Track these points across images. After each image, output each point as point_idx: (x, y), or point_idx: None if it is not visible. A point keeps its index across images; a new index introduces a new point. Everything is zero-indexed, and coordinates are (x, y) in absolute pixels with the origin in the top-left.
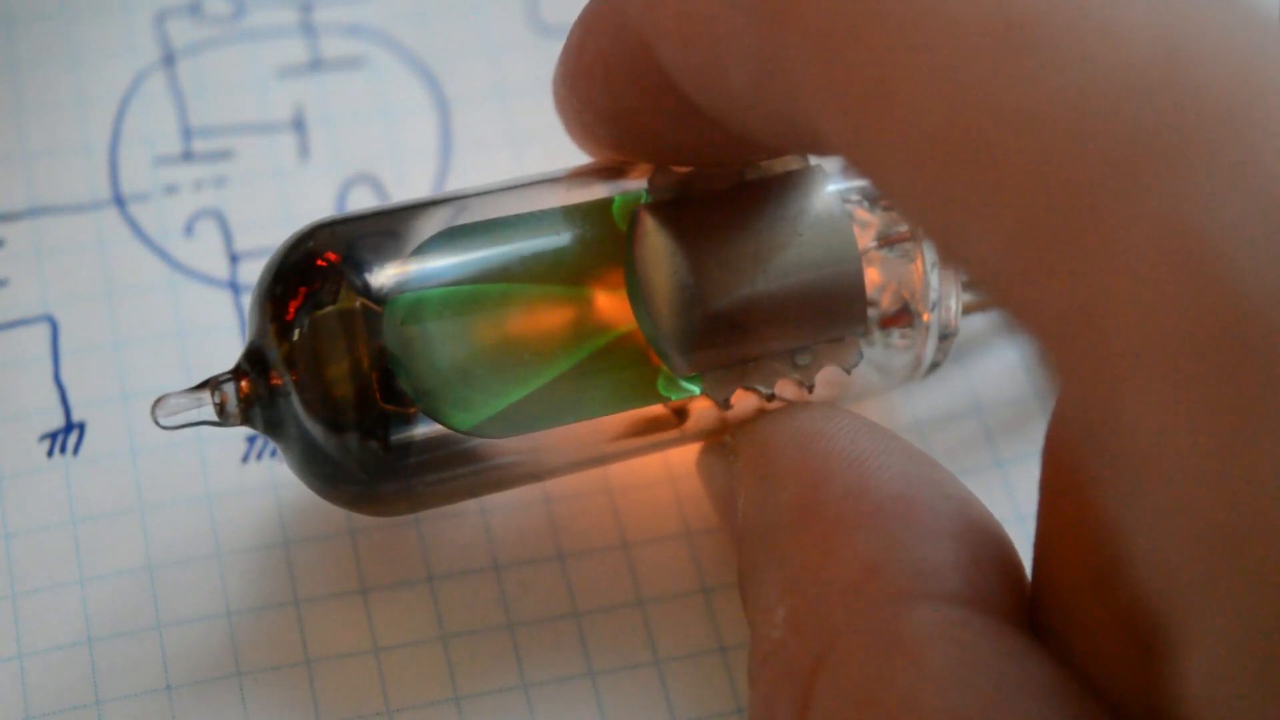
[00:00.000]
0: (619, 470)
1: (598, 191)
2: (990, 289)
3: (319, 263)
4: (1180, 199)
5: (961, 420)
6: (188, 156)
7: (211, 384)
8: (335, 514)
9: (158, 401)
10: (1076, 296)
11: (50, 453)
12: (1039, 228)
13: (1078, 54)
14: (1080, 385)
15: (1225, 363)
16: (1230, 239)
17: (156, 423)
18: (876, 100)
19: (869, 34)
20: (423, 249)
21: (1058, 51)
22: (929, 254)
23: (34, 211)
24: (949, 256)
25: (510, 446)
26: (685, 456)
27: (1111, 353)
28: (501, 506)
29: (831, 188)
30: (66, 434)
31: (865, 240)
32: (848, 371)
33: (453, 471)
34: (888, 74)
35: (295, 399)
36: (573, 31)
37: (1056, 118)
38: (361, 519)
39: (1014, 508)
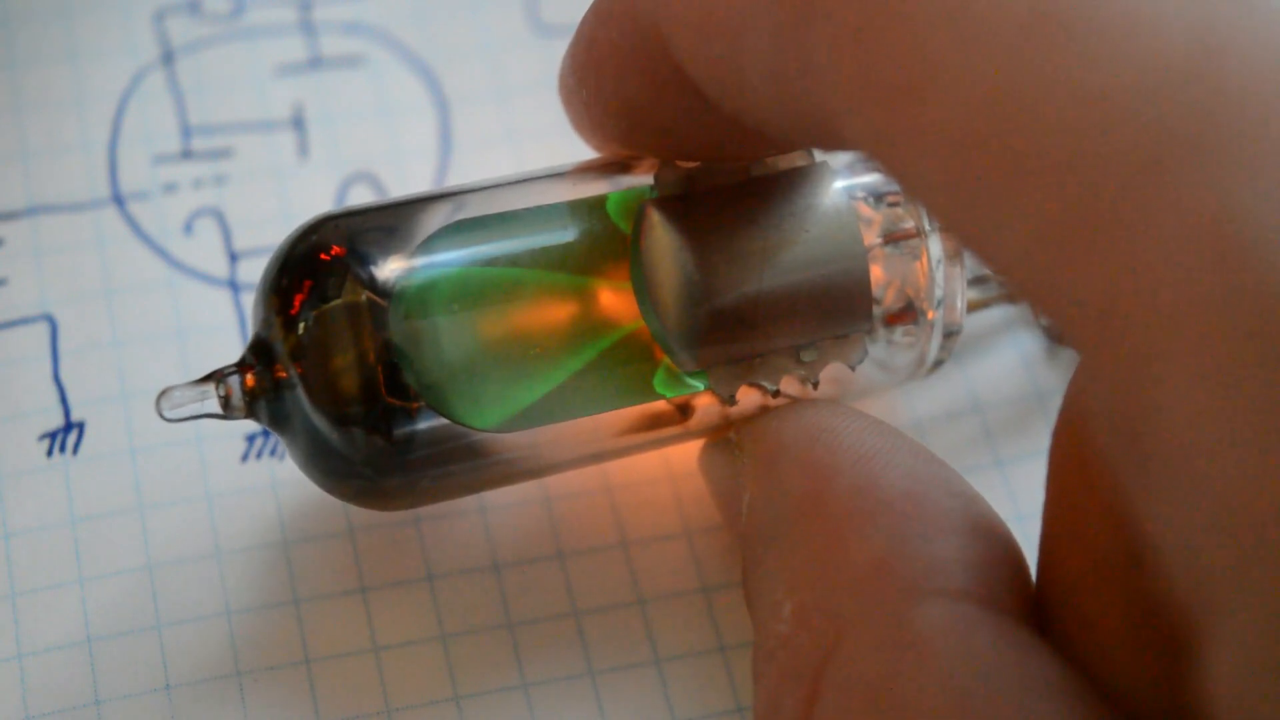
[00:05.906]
0: (618, 469)
1: (603, 187)
2: (1018, 281)
3: (324, 256)
4: (1212, 191)
5: (962, 419)
6: (187, 155)
7: (216, 376)
8: (335, 513)
9: (163, 394)
10: (1108, 287)
11: (49, 452)
12: (1071, 219)
13: (1110, 47)
14: (1110, 375)
15: (1260, 354)
16: (1262, 231)
17: (161, 415)
18: (906, 96)
19: (897, 28)
20: (428, 243)
21: (1090, 44)
22: (934, 251)
23: (33, 210)
24: (975, 250)
25: (514, 442)
26: (685, 455)
27: (1144, 343)
28: (501, 506)
29: (837, 184)
30: (66, 433)
31: (870, 237)
32: (852, 368)
33: (457, 466)
34: (917, 69)
35: (301, 392)
36: (584, 22)
37: (1088, 109)
38: (361, 518)
39: (1014, 507)
